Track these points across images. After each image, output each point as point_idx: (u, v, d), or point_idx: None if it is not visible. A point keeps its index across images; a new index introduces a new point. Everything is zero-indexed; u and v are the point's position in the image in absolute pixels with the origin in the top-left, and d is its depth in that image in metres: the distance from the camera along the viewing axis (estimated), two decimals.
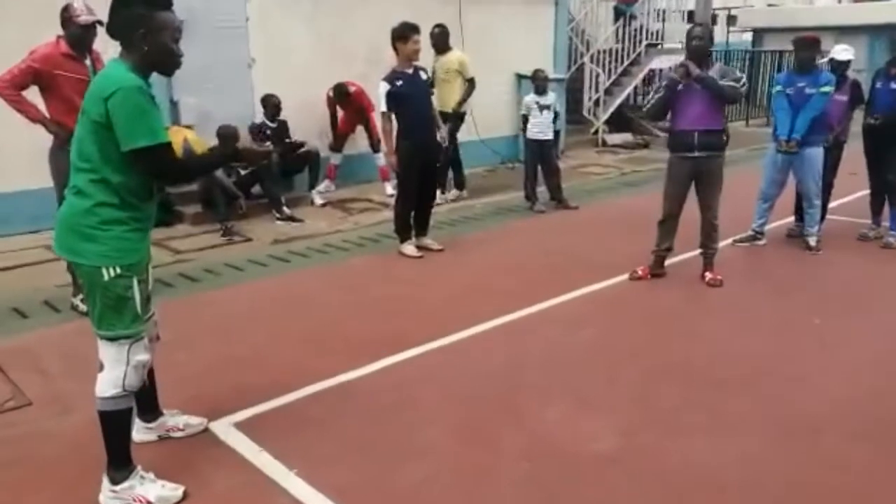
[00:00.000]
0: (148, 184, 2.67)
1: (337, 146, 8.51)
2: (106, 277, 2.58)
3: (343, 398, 3.61)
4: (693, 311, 4.91)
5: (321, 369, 3.87)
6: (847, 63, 6.25)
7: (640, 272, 5.45)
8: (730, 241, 6.36)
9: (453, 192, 8.39)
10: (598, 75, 12.86)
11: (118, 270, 2.59)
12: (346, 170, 8.68)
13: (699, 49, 5.02)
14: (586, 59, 12.91)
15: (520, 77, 10.77)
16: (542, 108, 7.67)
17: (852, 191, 7.59)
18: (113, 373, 2.67)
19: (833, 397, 3.59)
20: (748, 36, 21.83)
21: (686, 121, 5.07)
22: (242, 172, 7.39)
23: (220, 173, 6.91)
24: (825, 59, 6.59)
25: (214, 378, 3.82)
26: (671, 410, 3.46)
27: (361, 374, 3.86)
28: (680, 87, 5.04)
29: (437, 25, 8.08)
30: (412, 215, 6.18)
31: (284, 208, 7.30)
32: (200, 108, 7.62)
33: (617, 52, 13.30)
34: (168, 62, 2.67)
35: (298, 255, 6.18)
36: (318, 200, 8.04)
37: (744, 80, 5.03)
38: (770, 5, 24.88)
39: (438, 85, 7.83)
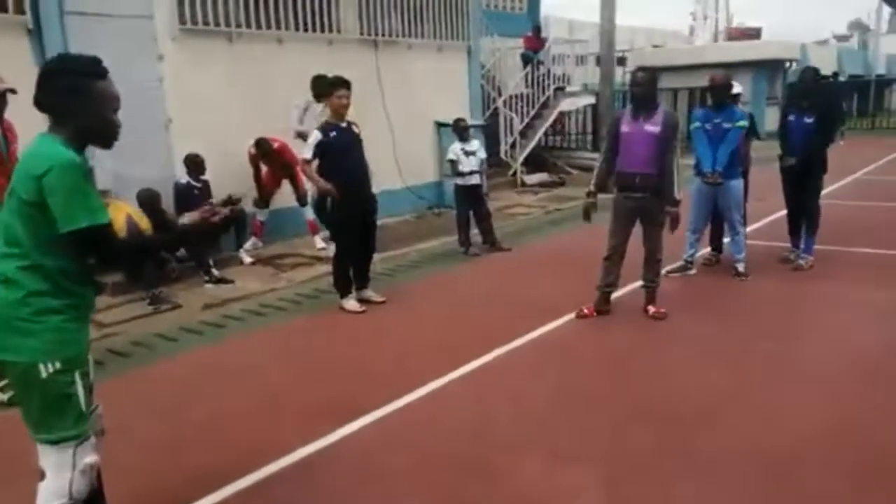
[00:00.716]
0: (86, 267, 2.44)
1: (262, 202, 8.26)
2: (44, 374, 2.32)
3: (306, 476, 3.38)
4: (645, 347, 4.95)
5: (276, 445, 3.63)
6: (737, 97, 6.59)
7: (585, 310, 5.48)
8: (662, 271, 6.52)
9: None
10: (511, 119, 13.16)
11: (57, 365, 2.33)
12: (272, 225, 8.43)
13: (642, 96, 5.16)
14: (500, 104, 13.20)
15: (439, 125, 10.87)
16: (468, 154, 7.73)
17: (763, 216, 7.99)
18: (57, 481, 2.38)
19: (803, 428, 3.64)
20: None
21: (629, 163, 5.20)
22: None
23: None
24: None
25: (161, 466, 3.51)
26: (647, 455, 3.42)
27: (321, 447, 3.64)
28: (624, 129, 5.18)
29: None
30: (351, 269, 6.01)
31: (213, 270, 6.97)
32: (117, 171, 7.23)
33: (528, 96, 13.68)
34: (108, 133, 2.48)
35: (234, 318, 5.88)
36: (247, 259, 7.74)
37: (674, 141, 5.19)
38: (655, 46, 26.36)
39: None
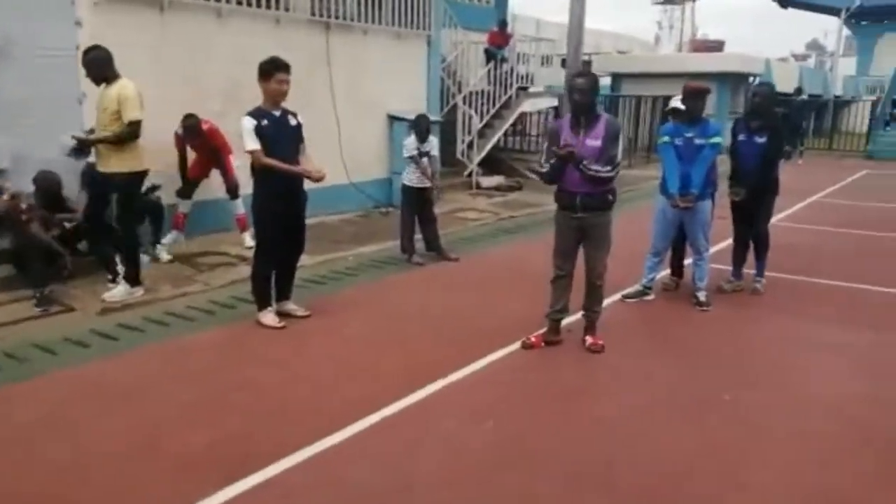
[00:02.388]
0: None
1: (186, 192, 7.47)
2: None
3: None
4: (597, 388, 4.38)
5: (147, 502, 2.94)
6: (677, 113, 5.92)
7: (532, 339, 4.90)
8: (618, 295, 6.00)
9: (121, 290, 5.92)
10: (470, 117, 12.54)
11: None
12: (196, 219, 7.65)
13: (582, 104, 4.58)
14: (459, 100, 12.57)
15: (392, 118, 10.18)
16: (422, 154, 7.07)
17: (720, 239, 7.47)
18: None
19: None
20: (607, 80, 22.61)
21: (570, 182, 4.64)
22: (67, 225, 6.23)
23: (36, 227, 5.74)
24: (668, 109, 6.35)
25: None
26: None
27: None
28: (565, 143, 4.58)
29: (92, 48, 5.68)
30: (273, 276, 5.32)
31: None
32: (15, 149, 6.38)
33: (489, 94, 13.08)
34: None
35: (131, 329, 5.12)
36: (164, 256, 6.95)
37: (618, 159, 4.59)
38: (620, 52, 26.11)
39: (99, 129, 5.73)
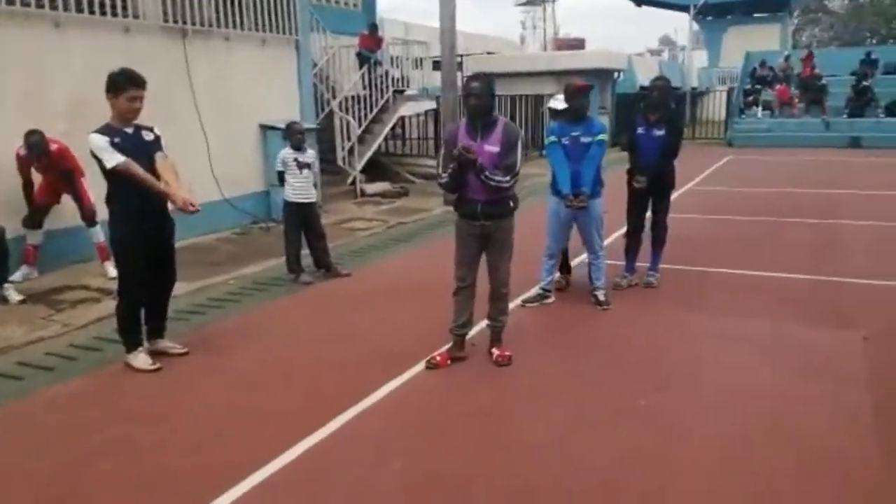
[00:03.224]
0: None
1: (35, 221, 6.65)
2: None
3: None
4: (509, 407, 4.11)
5: None
6: (565, 111, 5.83)
7: (438, 358, 4.60)
8: (518, 301, 5.82)
9: None
10: (348, 123, 12.13)
11: None
12: (50, 250, 6.82)
13: (478, 108, 4.33)
14: (335, 105, 12.12)
15: (264, 128, 9.61)
16: (301, 166, 6.60)
17: (611, 231, 7.49)
18: None
19: None
20: None
21: (471, 190, 4.40)
22: None
23: None
24: (545, 108, 6.31)
25: None
26: None
27: None
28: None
29: None
30: (142, 312, 4.73)
31: None
32: None
33: (365, 98, 12.71)
34: None
35: None
36: (15, 297, 6.09)
37: (518, 166, 4.37)
38: (489, 53, 26.44)
39: None
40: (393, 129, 14.86)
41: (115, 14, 7.61)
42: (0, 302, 6.02)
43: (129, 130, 4.43)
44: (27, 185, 6.61)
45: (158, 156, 4.47)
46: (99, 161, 4.33)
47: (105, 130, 4.34)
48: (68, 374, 4.60)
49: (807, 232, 8.70)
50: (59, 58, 7.06)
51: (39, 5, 6.88)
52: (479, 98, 4.31)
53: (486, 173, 4.26)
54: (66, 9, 7.09)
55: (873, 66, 22.23)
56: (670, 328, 5.37)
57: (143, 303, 4.69)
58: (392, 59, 13.66)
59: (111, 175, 4.33)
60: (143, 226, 4.43)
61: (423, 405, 4.10)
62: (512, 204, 4.49)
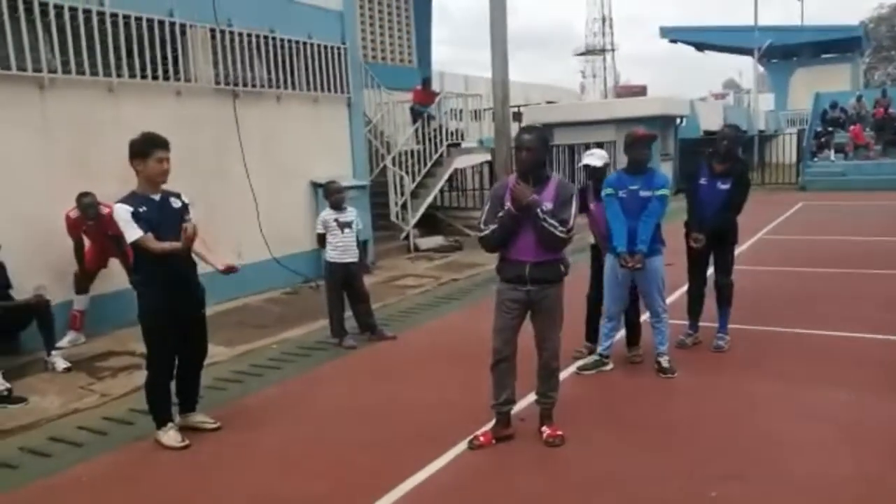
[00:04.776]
0: None
1: (83, 286, 6.63)
2: None
3: None
4: (556, 498, 3.66)
5: None
6: (603, 169, 5.51)
7: (481, 439, 4.21)
8: (573, 368, 5.40)
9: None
10: (401, 178, 12.02)
11: None
12: (98, 315, 6.79)
13: (530, 162, 4.02)
14: (388, 161, 12.06)
15: (316, 185, 9.56)
16: (342, 225, 6.41)
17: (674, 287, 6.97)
18: None
19: None
20: None
21: (519, 249, 4.05)
22: None
23: None
24: (580, 165, 5.91)
25: None
26: None
27: None
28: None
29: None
30: (174, 384, 4.53)
31: None
32: None
33: (419, 153, 12.63)
34: None
35: (2, 465, 4.23)
36: (61, 364, 5.98)
37: (571, 224, 4.00)
38: (549, 102, 26.30)
39: None
40: (450, 181, 14.74)
41: (167, 78, 7.71)
42: (48, 370, 5.96)
43: (157, 197, 4.29)
44: (79, 247, 6.61)
45: (186, 226, 4.30)
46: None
47: (130, 200, 4.21)
48: (97, 451, 4.40)
49: (888, 285, 7.97)
50: (111, 121, 7.13)
51: (94, 72, 7.00)
52: (532, 151, 3.99)
53: (542, 212, 3.91)
54: (119, 75, 7.21)
55: None
56: (741, 401, 4.82)
57: (174, 376, 4.49)
58: (449, 111, 13.60)
59: (133, 247, 4.19)
60: (172, 295, 4.24)
61: (464, 493, 3.71)
62: (563, 268, 4.12)
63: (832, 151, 21.38)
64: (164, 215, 4.28)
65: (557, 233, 3.94)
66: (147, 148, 4.26)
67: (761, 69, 37.66)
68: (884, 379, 5.04)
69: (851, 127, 21.63)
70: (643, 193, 5.08)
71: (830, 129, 22.26)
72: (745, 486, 3.62)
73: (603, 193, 5.28)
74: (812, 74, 35.17)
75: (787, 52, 35.71)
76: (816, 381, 5.09)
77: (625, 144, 5.25)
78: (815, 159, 21.48)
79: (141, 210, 4.20)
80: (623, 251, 5.07)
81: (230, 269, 4.54)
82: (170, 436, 4.38)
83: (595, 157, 5.46)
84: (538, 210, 3.92)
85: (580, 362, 5.46)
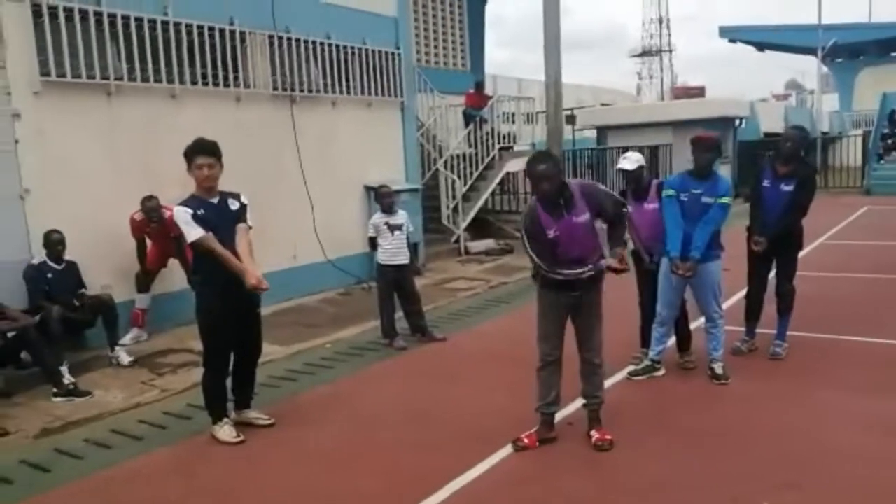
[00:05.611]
0: None
1: (144, 285, 6.89)
2: None
3: None
4: (608, 503, 3.66)
5: None
6: (637, 171, 5.36)
7: (525, 440, 4.22)
8: (624, 374, 5.35)
9: None
10: (453, 181, 12.08)
11: None
12: (159, 313, 7.04)
13: (552, 192, 3.94)
14: (440, 165, 12.13)
15: (369, 189, 9.69)
16: (392, 228, 6.50)
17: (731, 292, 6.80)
18: None
19: None
20: (592, 133, 22.39)
21: (564, 264, 4.04)
22: (9, 335, 5.60)
23: None
24: (617, 169, 5.80)
25: None
26: None
27: None
28: (550, 233, 4.01)
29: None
30: (230, 381, 4.68)
31: (65, 379, 5.53)
32: None
33: (470, 156, 12.66)
34: None
35: (69, 455, 4.44)
36: (126, 359, 6.24)
37: (615, 201, 4.09)
38: (603, 104, 26.01)
39: None
40: (501, 185, 14.74)
41: (227, 85, 7.94)
42: (112, 365, 6.21)
43: (215, 200, 4.44)
44: (141, 247, 6.88)
45: (240, 227, 4.44)
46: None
47: (190, 202, 4.37)
48: (156, 445, 4.57)
49: None
50: (173, 127, 7.37)
51: (158, 79, 7.26)
52: (551, 180, 3.92)
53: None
54: (181, 82, 7.46)
55: None
56: (798, 409, 4.70)
57: (230, 373, 4.63)
58: (502, 115, 13.61)
59: (194, 247, 4.34)
60: (229, 296, 4.37)
61: (511, 495, 3.72)
62: (602, 265, 4.10)
63: None
64: (220, 218, 4.42)
65: (626, 233, 4.14)
66: (191, 154, 4.43)
67: (825, 69, 36.42)
68: None
69: None
70: (705, 199, 5.01)
71: None
72: (800, 495, 3.54)
73: (664, 194, 5.21)
74: (879, 74, 33.85)
75: (852, 50, 34.46)
76: (877, 390, 4.92)
77: (692, 148, 5.17)
78: (882, 162, 20.69)
79: (199, 212, 4.35)
80: (676, 257, 5.00)
81: (257, 289, 4.31)
82: (225, 431, 4.52)
83: (629, 161, 5.37)
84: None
85: (633, 370, 5.40)
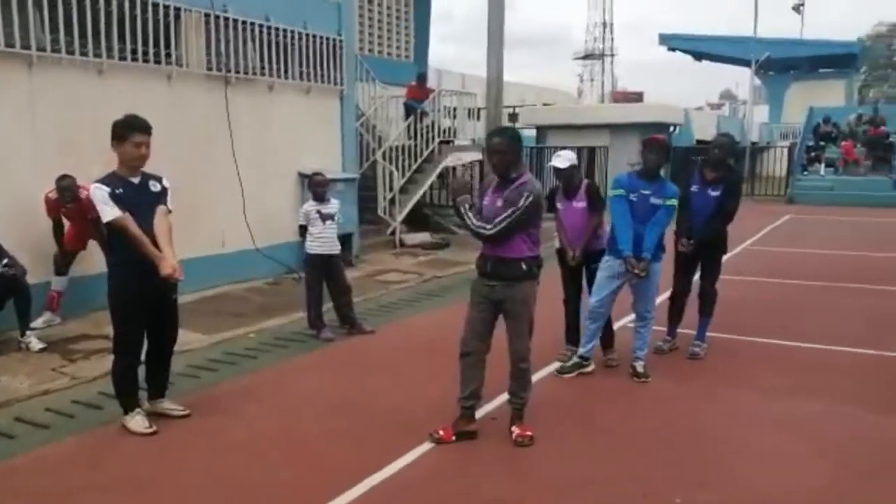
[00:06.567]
0: None
1: (61, 267, 6.58)
2: None
3: None
4: (521, 498, 3.65)
5: None
6: (568, 170, 5.40)
7: (441, 433, 4.20)
8: (548, 370, 5.41)
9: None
10: (391, 173, 11.99)
11: None
12: (75, 297, 6.74)
13: (500, 165, 4.07)
14: (378, 155, 12.02)
15: (303, 176, 9.51)
16: (324, 217, 6.39)
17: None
18: None
19: None
20: (531, 132, 22.61)
21: (485, 246, 4.14)
22: None
23: None
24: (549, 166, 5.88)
25: None
26: None
27: None
28: (485, 201, 4.15)
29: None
30: (143, 370, 4.51)
31: None
32: None
33: (410, 148, 12.59)
34: None
35: None
36: (36, 345, 5.94)
37: (502, 224, 3.98)
38: (545, 104, 26.32)
39: None
40: (440, 179, 14.72)
41: (158, 62, 7.65)
42: (21, 349, 5.91)
43: (136, 180, 4.26)
44: (58, 228, 6.57)
45: (160, 210, 4.28)
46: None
47: (109, 180, 4.18)
48: (63, 434, 4.36)
49: (873, 299, 8.04)
50: (99, 103, 7.06)
51: (84, 52, 6.94)
52: (502, 154, 4.04)
53: (466, 208, 4.06)
54: (109, 56, 7.15)
55: None
56: (714, 409, 4.85)
57: (143, 361, 4.46)
58: (443, 109, 13.57)
59: (109, 228, 4.16)
60: (144, 279, 4.19)
61: (427, 491, 3.70)
62: (524, 267, 4.08)
63: (822, 166, 21.51)
64: (140, 199, 4.25)
65: (473, 228, 4.03)
66: (125, 131, 4.23)
67: (758, 81, 37.74)
68: (859, 393, 5.06)
69: (843, 142, 21.75)
70: (654, 200, 5.09)
71: (822, 143, 22.39)
72: (709, 494, 3.63)
73: (612, 193, 5.27)
74: (807, 89, 35.35)
75: (784, 65, 35.82)
76: (790, 392, 5.11)
77: (642, 149, 5.26)
78: (805, 173, 21.60)
79: (118, 192, 4.17)
80: (629, 255, 5.06)
81: (171, 278, 4.17)
82: (136, 421, 4.34)
83: (561, 160, 5.39)
84: (462, 206, 4.05)
85: (561, 367, 5.44)
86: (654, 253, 5.10)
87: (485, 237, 4.04)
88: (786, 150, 23.50)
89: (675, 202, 5.17)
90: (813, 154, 22.03)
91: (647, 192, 5.12)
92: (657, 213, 5.09)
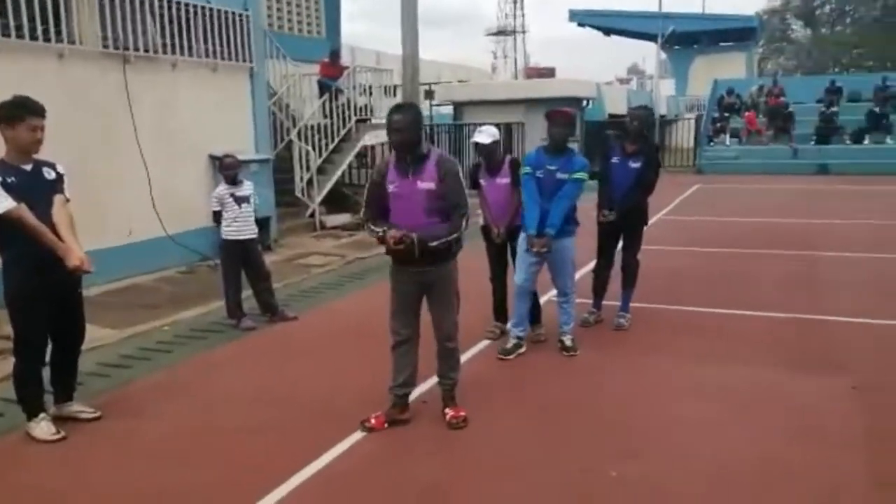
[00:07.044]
0: None
1: None
2: None
3: None
4: (456, 481, 3.58)
5: None
6: (491, 146, 5.35)
7: (372, 421, 4.08)
8: (478, 349, 5.36)
9: None
10: (307, 153, 11.64)
11: None
12: None
13: (402, 144, 3.88)
14: (293, 135, 11.64)
15: (214, 159, 9.08)
16: (238, 200, 6.10)
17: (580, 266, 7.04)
18: None
19: None
20: (449, 108, 22.52)
21: (402, 227, 3.91)
22: None
23: None
24: (472, 142, 5.84)
25: None
26: None
27: None
28: (392, 188, 3.93)
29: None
30: (48, 372, 4.17)
31: None
32: None
33: (326, 127, 12.25)
34: None
35: None
36: None
37: (463, 202, 3.90)
38: (460, 81, 26.27)
39: None
40: (361, 158, 14.43)
41: (48, 39, 7.08)
42: None
43: (28, 167, 3.90)
44: None
45: (57, 199, 3.94)
46: None
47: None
48: None
49: (783, 264, 8.38)
50: None
51: None
52: (402, 133, 3.84)
53: (431, 245, 3.84)
54: None
55: (838, 94, 22.42)
56: (641, 379, 4.91)
57: (47, 362, 4.13)
58: (360, 87, 13.25)
59: (2, 220, 3.79)
60: (44, 273, 3.86)
61: (359, 483, 3.57)
62: (452, 246, 4.00)
63: (727, 136, 22.36)
64: (35, 187, 3.90)
65: (453, 236, 3.90)
66: (18, 113, 3.86)
67: (664, 55, 38.83)
68: (779, 357, 5.22)
69: (746, 113, 22.66)
70: (560, 175, 5.05)
71: (726, 114, 23.26)
72: (642, 465, 3.65)
73: (521, 171, 5.21)
74: (710, 62, 36.63)
75: (687, 39, 36.97)
76: (713, 358, 5.24)
77: (547, 122, 5.17)
78: (712, 144, 22.40)
79: (10, 180, 3.81)
80: (532, 234, 5.02)
81: (80, 270, 3.91)
82: (42, 427, 4.02)
83: (484, 135, 5.31)
84: (423, 246, 3.83)
85: (501, 349, 5.36)
86: (560, 228, 5.05)
87: (456, 238, 3.94)
88: (692, 122, 24.29)
89: (583, 175, 5.13)
90: (718, 125, 22.85)
91: (552, 167, 5.07)
92: (563, 187, 5.05)
